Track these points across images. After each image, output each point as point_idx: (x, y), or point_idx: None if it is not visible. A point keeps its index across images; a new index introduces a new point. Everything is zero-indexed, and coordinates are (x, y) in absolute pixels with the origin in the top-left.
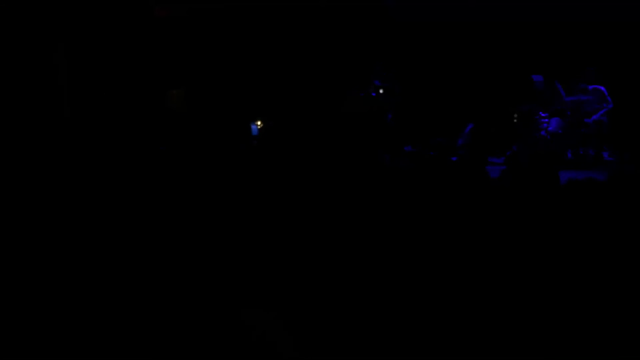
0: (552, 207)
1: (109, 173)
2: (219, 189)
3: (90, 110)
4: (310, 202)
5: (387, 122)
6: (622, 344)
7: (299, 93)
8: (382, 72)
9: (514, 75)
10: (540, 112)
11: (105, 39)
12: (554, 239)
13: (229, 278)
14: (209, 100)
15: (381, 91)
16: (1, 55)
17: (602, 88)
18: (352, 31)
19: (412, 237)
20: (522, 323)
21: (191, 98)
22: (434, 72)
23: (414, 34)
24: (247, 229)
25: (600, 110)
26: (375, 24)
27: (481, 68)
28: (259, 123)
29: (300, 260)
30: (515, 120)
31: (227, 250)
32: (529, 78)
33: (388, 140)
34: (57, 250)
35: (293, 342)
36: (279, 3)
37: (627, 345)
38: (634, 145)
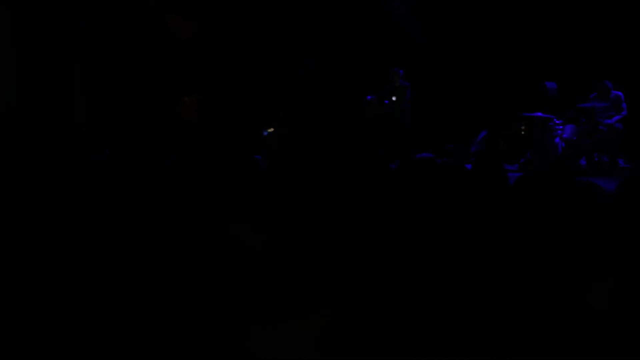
0: (561, 211)
1: (121, 179)
2: (229, 195)
3: (104, 117)
4: (322, 208)
5: (399, 128)
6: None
7: (312, 100)
8: (394, 79)
9: (528, 82)
10: (555, 119)
11: (119, 48)
12: (563, 244)
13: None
14: (222, 108)
15: (394, 98)
16: (18, 60)
17: (621, 94)
18: (364, 38)
19: (423, 244)
20: (533, 325)
21: (204, 106)
22: (446, 79)
23: (426, 40)
24: (254, 234)
25: (616, 117)
26: (386, 30)
27: (494, 74)
28: (271, 130)
29: (303, 261)
30: (529, 127)
31: (229, 251)
32: (542, 85)
33: (401, 147)
34: (64, 252)
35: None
36: (291, 10)
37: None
38: None
